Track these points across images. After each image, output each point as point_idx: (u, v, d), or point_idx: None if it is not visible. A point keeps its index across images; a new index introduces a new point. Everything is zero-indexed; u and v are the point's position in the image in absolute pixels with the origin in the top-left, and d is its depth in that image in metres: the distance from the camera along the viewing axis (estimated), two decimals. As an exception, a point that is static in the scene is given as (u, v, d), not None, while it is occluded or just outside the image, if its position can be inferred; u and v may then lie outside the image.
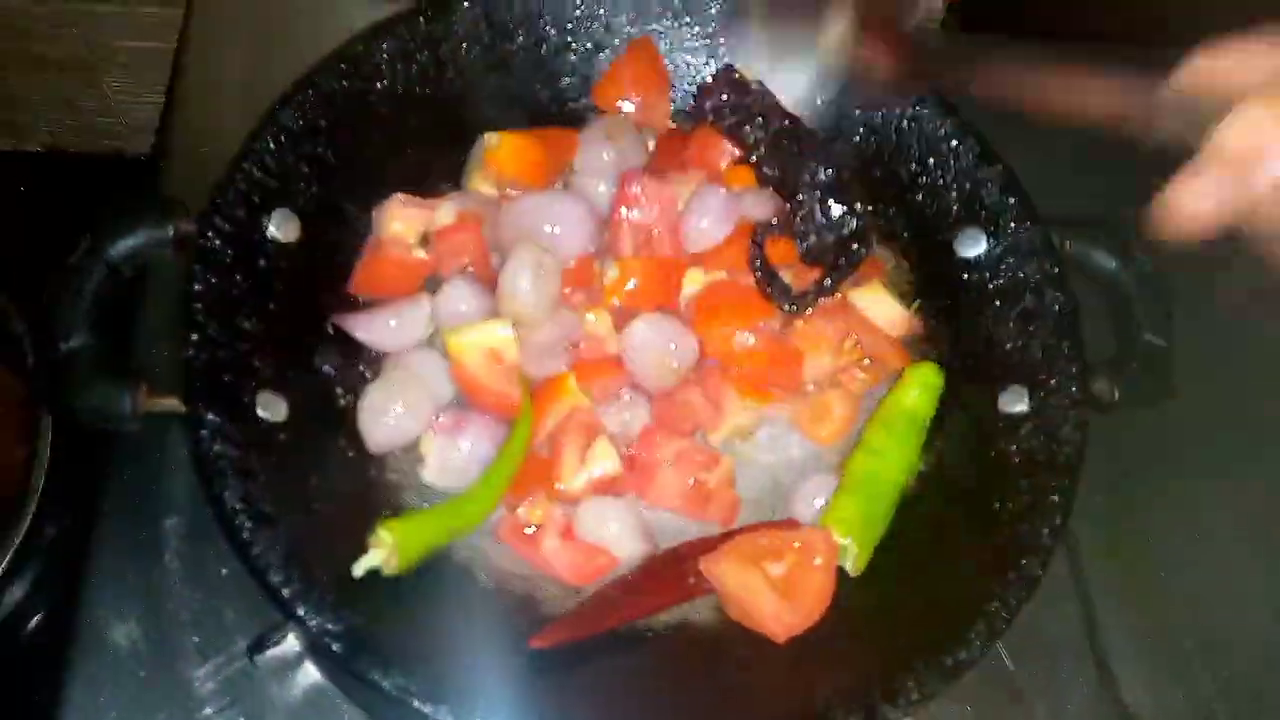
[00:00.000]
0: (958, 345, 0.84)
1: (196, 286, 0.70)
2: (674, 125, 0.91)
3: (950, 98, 0.85)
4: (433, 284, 0.82)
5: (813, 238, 0.82)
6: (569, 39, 0.90)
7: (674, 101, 0.92)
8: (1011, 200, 0.82)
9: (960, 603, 0.70)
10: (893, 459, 0.78)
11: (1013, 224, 0.82)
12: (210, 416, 0.67)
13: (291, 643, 0.75)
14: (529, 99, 0.90)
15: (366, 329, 0.79)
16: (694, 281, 0.83)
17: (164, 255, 0.76)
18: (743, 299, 0.82)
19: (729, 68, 0.86)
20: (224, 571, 0.80)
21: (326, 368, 0.78)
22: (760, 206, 0.83)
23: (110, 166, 1.23)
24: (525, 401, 0.76)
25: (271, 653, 0.75)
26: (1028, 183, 0.83)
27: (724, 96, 0.85)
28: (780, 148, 0.84)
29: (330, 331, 0.79)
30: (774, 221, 0.82)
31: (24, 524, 0.82)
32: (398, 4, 0.86)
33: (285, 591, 0.63)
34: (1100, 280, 0.83)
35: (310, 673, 0.78)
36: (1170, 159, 0.54)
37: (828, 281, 0.81)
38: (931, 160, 0.86)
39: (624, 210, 0.81)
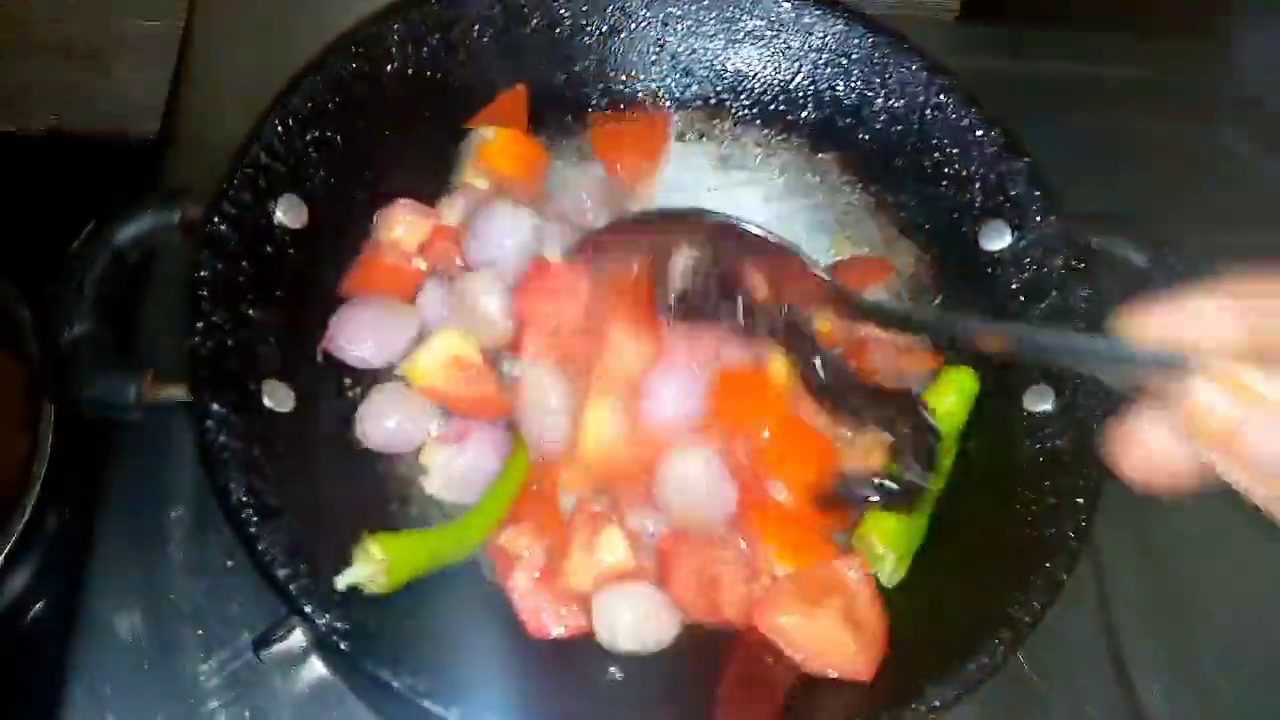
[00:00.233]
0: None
1: (202, 273, 0.69)
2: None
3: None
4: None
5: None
6: (583, 22, 0.88)
7: (691, 90, 0.91)
8: (1037, 193, 0.80)
9: (982, 607, 0.68)
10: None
11: (1038, 217, 0.80)
12: (216, 406, 0.65)
13: (298, 637, 0.74)
14: (542, 83, 0.88)
15: (352, 348, 0.76)
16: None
17: (170, 241, 0.74)
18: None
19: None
20: (229, 563, 0.79)
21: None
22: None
23: (116, 150, 1.21)
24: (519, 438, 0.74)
25: (277, 648, 0.73)
26: (1054, 176, 0.81)
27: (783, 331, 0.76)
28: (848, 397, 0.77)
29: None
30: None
31: (25, 513, 0.81)
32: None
33: (291, 587, 0.62)
34: (1128, 277, 0.81)
35: (316, 667, 0.77)
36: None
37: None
38: (956, 150, 0.84)
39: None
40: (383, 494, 0.75)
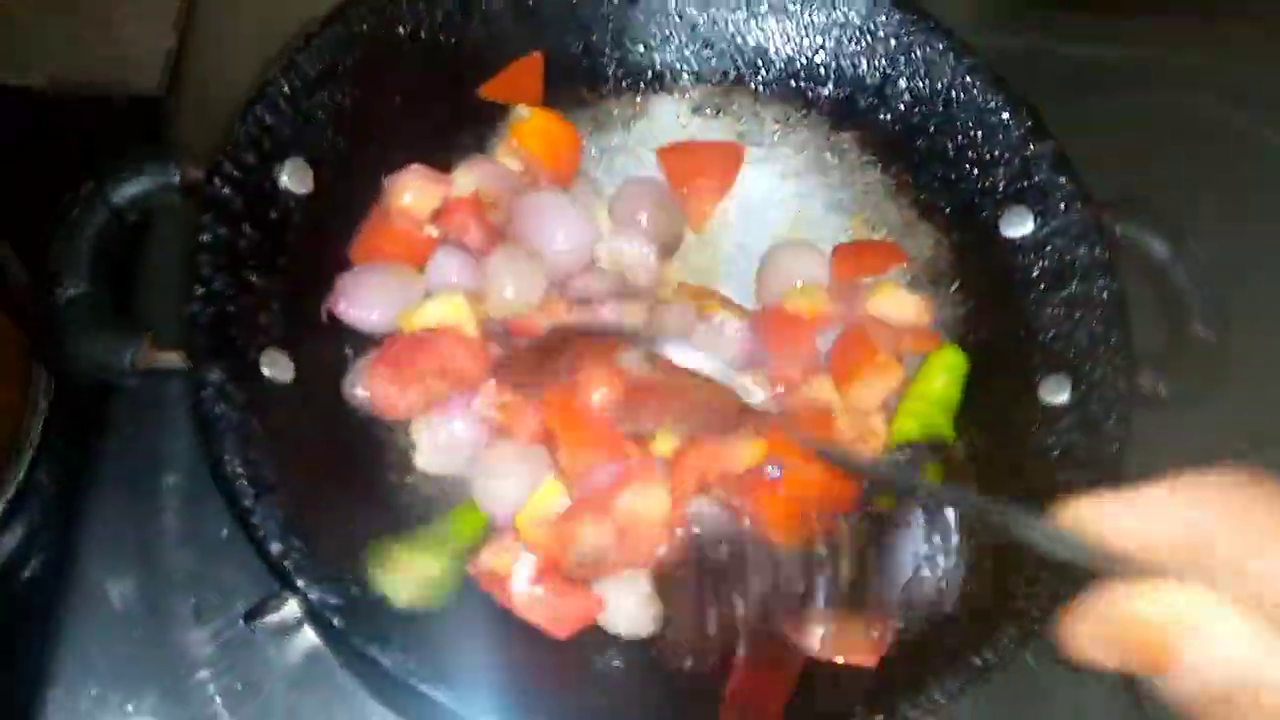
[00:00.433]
0: (997, 330, 0.81)
1: (203, 237, 0.67)
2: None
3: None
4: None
5: None
6: (602, -12, 0.86)
7: (710, 63, 0.88)
8: (1062, 179, 0.78)
9: (990, 601, 0.67)
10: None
11: (1062, 205, 0.78)
12: (213, 375, 0.64)
13: (291, 608, 0.73)
14: (558, 52, 0.85)
15: (358, 311, 0.75)
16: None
17: (172, 201, 0.72)
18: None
19: None
20: (224, 533, 0.78)
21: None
22: None
23: (118, 106, 1.18)
24: None
25: (270, 619, 0.72)
26: (1079, 162, 0.79)
27: None
28: None
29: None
30: None
31: (19, 472, 0.80)
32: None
33: (285, 563, 0.61)
34: (1151, 268, 0.79)
35: (309, 638, 0.76)
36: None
37: None
38: (979, 134, 0.82)
39: None
40: (381, 466, 0.73)
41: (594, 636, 0.69)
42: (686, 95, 0.89)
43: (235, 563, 0.77)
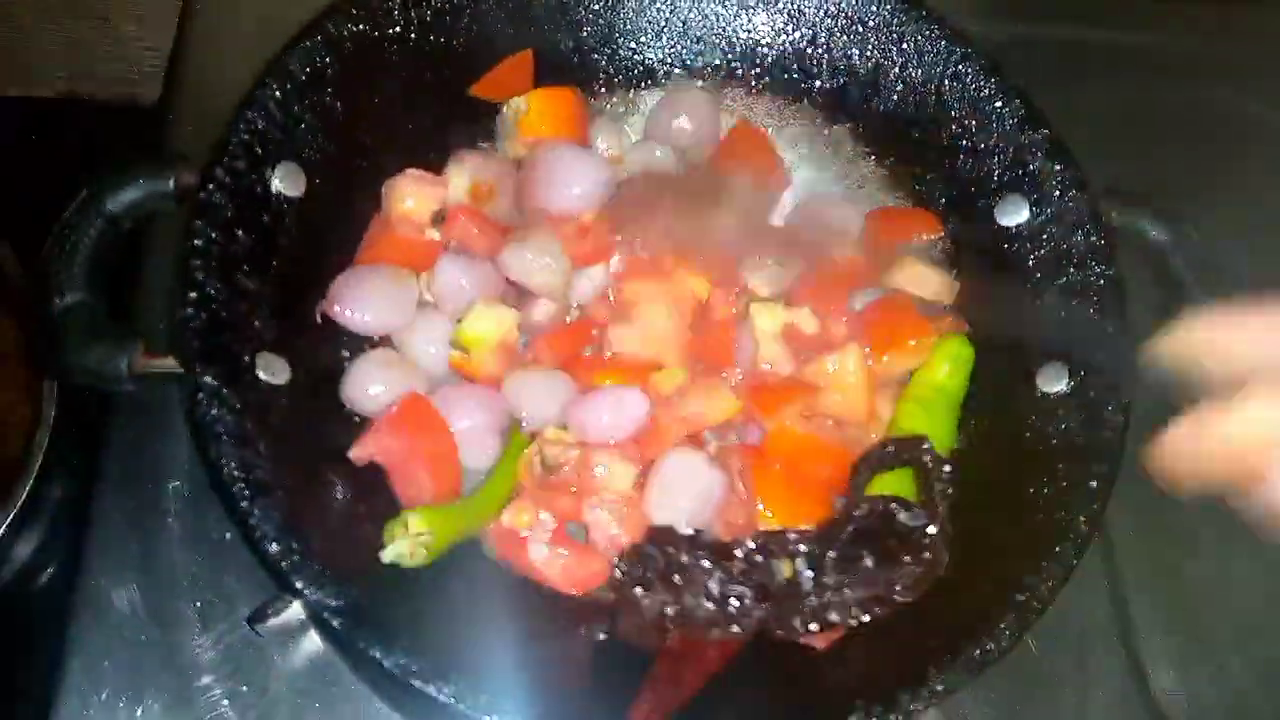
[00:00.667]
0: (994, 319, 0.80)
1: (195, 242, 0.67)
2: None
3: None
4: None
5: None
6: (592, -15, 0.86)
7: (701, 58, 0.88)
8: (1058, 167, 0.78)
9: (990, 591, 0.67)
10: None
11: (1058, 192, 0.78)
12: (208, 379, 0.64)
13: (295, 611, 0.73)
14: (548, 49, 0.85)
15: (352, 313, 0.75)
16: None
17: (167, 208, 0.73)
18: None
19: None
20: (226, 536, 0.78)
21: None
22: None
23: (122, 114, 1.19)
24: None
25: (273, 621, 0.73)
26: (1075, 151, 0.79)
27: None
28: None
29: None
30: None
31: (28, 482, 0.80)
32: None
33: (283, 564, 0.61)
34: (1148, 255, 0.78)
35: (314, 641, 0.76)
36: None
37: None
38: (974, 122, 0.82)
39: None
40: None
41: (591, 634, 0.70)
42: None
43: (239, 567, 0.77)
